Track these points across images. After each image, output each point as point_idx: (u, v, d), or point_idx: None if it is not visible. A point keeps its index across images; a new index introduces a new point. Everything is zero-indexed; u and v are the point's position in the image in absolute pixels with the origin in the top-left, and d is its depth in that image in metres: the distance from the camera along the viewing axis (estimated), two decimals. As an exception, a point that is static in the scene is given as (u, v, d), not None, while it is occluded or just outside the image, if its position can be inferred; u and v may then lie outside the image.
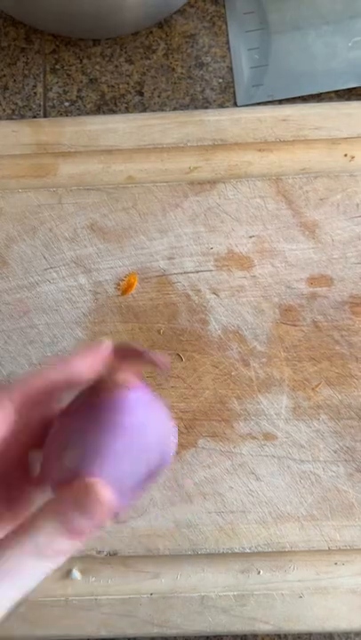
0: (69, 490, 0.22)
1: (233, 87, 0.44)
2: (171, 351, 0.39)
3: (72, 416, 0.24)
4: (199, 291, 0.39)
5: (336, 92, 0.44)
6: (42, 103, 0.45)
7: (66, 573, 0.39)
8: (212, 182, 0.40)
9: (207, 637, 0.41)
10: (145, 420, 0.23)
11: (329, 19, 0.45)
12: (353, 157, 0.40)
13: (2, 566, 0.21)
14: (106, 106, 0.45)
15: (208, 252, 0.39)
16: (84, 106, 0.45)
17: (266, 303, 0.39)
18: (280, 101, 0.44)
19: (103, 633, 0.38)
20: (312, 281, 0.39)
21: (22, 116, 0.45)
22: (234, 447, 0.38)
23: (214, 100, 0.44)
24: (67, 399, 0.25)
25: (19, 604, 0.22)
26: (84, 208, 0.40)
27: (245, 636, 0.41)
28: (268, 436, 0.38)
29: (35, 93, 0.45)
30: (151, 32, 0.45)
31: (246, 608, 0.38)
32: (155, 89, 0.45)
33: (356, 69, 0.44)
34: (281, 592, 0.38)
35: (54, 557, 0.22)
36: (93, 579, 0.39)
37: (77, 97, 0.45)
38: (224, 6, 0.45)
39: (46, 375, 0.24)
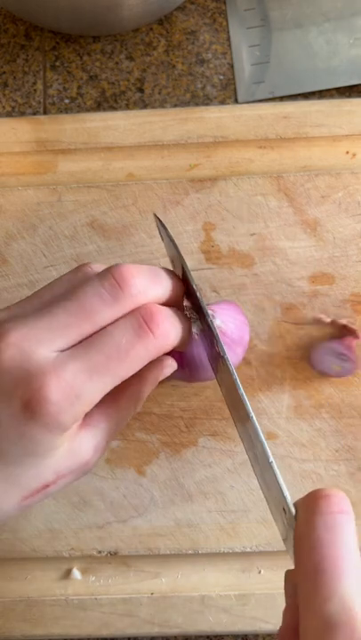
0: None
1: (234, 84, 0.44)
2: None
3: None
4: (200, 289, 0.39)
5: (337, 89, 0.44)
6: (42, 100, 0.45)
7: (66, 573, 0.39)
8: (213, 179, 0.40)
9: (208, 637, 0.41)
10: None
11: (330, 16, 0.44)
12: (354, 155, 0.40)
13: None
14: (106, 103, 0.45)
15: (209, 249, 0.39)
16: (85, 103, 0.45)
17: (267, 301, 0.39)
18: (281, 98, 0.44)
19: (103, 633, 0.38)
20: (314, 279, 0.39)
21: (22, 114, 0.45)
22: (235, 446, 0.38)
23: (215, 97, 0.44)
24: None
25: None
26: (84, 205, 0.40)
27: (246, 635, 0.41)
28: (270, 435, 0.38)
29: (34, 90, 0.45)
30: (152, 29, 0.45)
31: (247, 607, 0.38)
32: (155, 86, 0.44)
33: (357, 67, 0.44)
34: (282, 591, 0.38)
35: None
36: (94, 578, 0.39)
37: (77, 94, 0.45)
38: (225, 3, 0.45)
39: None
